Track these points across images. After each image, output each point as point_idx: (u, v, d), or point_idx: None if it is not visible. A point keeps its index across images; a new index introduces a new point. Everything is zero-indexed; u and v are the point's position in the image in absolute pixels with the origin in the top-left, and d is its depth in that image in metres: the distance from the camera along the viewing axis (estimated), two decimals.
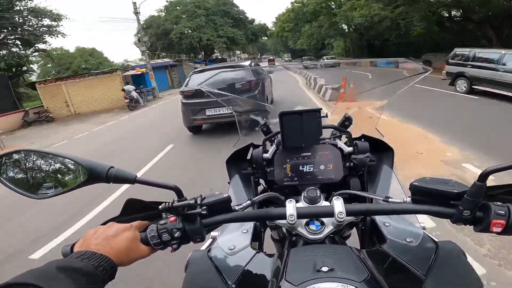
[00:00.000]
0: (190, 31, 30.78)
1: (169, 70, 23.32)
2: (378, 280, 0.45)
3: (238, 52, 56.47)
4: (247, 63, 6.64)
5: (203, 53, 35.07)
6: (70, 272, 0.40)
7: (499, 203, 0.48)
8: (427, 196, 0.51)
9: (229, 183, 0.92)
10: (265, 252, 0.64)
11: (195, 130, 6.22)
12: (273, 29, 61.20)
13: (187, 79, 6.00)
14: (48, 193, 0.52)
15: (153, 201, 0.62)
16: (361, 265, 0.47)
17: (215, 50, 36.92)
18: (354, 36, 28.44)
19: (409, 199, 0.54)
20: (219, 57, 41.72)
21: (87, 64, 29.25)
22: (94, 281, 0.42)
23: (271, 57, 64.49)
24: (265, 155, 0.88)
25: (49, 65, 30.80)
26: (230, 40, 32.82)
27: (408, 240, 0.60)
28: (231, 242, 0.66)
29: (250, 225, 0.73)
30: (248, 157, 0.92)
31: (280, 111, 0.81)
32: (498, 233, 0.47)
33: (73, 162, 0.50)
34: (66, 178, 0.52)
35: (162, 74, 22.24)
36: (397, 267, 0.54)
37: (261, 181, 0.97)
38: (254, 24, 39.74)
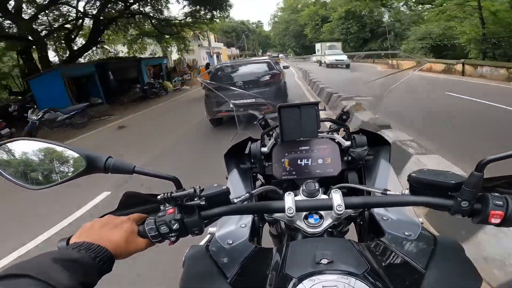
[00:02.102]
0: None
1: None
2: (378, 272, 0.45)
3: (221, 45, 38.97)
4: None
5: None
6: (67, 263, 0.39)
7: (497, 194, 0.48)
8: (425, 188, 0.52)
9: (227, 177, 0.92)
10: (262, 247, 0.64)
11: (217, 122, 6.34)
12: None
13: (213, 73, 6.17)
14: (45, 183, 0.51)
15: (150, 193, 0.61)
16: (360, 258, 0.48)
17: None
18: None
19: (407, 191, 0.55)
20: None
21: None
22: (91, 272, 0.42)
23: (275, 54, 53.49)
24: (263, 149, 0.88)
25: None
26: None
27: (406, 233, 0.60)
28: (229, 236, 0.66)
29: (248, 220, 0.73)
30: (246, 151, 0.92)
31: (278, 104, 0.81)
32: (497, 225, 0.47)
33: (71, 152, 0.50)
34: (64, 168, 0.52)
35: None
36: (396, 260, 0.54)
37: (259, 175, 0.97)
38: None
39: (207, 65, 12.79)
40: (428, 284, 0.46)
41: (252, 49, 68.64)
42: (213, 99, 5.66)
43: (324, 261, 0.45)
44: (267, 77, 5.67)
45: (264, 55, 64.38)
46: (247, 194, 0.60)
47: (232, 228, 0.71)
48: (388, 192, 0.57)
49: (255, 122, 1.04)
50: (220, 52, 37.71)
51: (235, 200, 0.58)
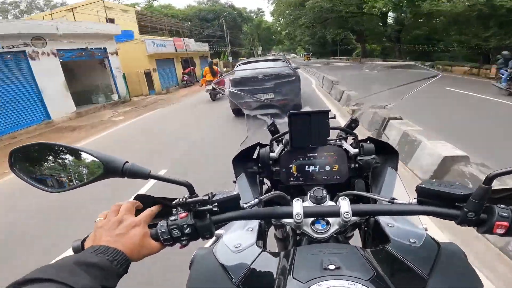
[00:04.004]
0: None
1: None
2: (384, 278, 0.46)
3: (115, 29, 12.22)
4: None
5: None
6: (88, 266, 0.41)
7: (502, 205, 0.50)
8: (432, 198, 0.53)
9: (234, 181, 0.93)
10: (269, 251, 0.65)
11: (238, 112, 6.80)
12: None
13: (235, 68, 7.14)
14: (63, 187, 0.53)
15: (162, 197, 0.62)
16: (366, 264, 0.49)
17: None
18: None
19: (414, 201, 0.56)
20: None
21: None
22: (109, 275, 0.43)
23: (281, 54, 38.60)
24: (272, 155, 0.89)
25: None
26: None
27: (411, 240, 0.61)
28: (237, 240, 0.67)
29: (255, 224, 0.74)
30: (255, 156, 0.93)
31: (289, 111, 0.83)
32: (501, 235, 0.49)
33: (89, 156, 0.51)
34: (82, 171, 0.53)
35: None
36: (401, 266, 0.55)
37: (266, 180, 0.98)
38: None
39: (211, 65, 10.76)
40: None
41: (249, 47, 47.36)
42: (234, 94, 6.42)
43: (332, 266, 0.46)
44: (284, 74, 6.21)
45: (267, 54, 46.28)
46: (256, 199, 0.61)
47: (239, 232, 0.71)
48: (395, 201, 0.58)
49: (264, 128, 1.05)
50: (113, 50, 12.80)
51: (244, 205, 0.59)
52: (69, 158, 0.53)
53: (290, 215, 0.57)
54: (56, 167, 0.53)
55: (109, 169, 0.50)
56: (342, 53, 36.99)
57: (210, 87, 9.69)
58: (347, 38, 36.35)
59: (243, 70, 6.52)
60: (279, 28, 40.29)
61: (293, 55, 49.00)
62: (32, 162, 0.53)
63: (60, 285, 0.36)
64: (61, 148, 0.53)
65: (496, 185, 0.48)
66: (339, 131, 1.00)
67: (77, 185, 0.52)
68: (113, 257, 0.45)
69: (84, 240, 0.53)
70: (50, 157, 0.53)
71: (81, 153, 0.52)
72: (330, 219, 0.63)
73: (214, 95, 10.48)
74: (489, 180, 0.46)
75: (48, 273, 0.37)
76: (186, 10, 41.68)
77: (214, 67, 11.08)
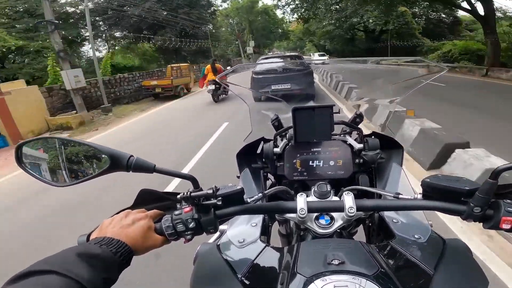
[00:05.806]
0: None
1: None
2: (388, 274, 0.46)
3: None
4: None
5: None
6: (89, 257, 0.41)
7: (509, 200, 0.49)
8: (438, 193, 0.52)
9: (238, 177, 0.93)
10: (273, 246, 0.65)
11: (257, 99, 7.56)
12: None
13: (258, 61, 8.13)
14: (68, 181, 0.53)
15: (166, 191, 0.63)
16: (371, 259, 0.49)
17: None
18: None
19: (420, 196, 0.55)
20: None
21: None
22: (112, 266, 0.43)
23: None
24: (276, 150, 0.89)
25: None
26: None
27: (416, 236, 0.61)
28: (241, 235, 0.67)
29: (259, 219, 0.74)
30: (259, 151, 0.93)
31: (293, 106, 0.82)
32: (507, 230, 0.48)
33: (95, 150, 0.51)
34: (87, 166, 0.53)
35: None
36: (406, 262, 0.54)
37: (270, 176, 0.98)
38: None
39: (213, 62, 9.95)
40: (435, 286, 0.47)
41: (236, 43, 31.55)
42: (258, 81, 7.06)
43: (335, 261, 0.46)
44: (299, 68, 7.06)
45: (267, 53, 30.66)
46: (260, 194, 0.61)
47: (243, 227, 0.71)
48: (400, 196, 0.57)
49: (268, 122, 1.04)
50: None
51: (248, 200, 0.58)
52: (75, 152, 0.54)
53: (294, 210, 0.57)
54: (62, 161, 0.53)
55: (114, 163, 0.50)
56: (394, 55, 18.63)
57: (212, 87, 9.01)
58: (408, 29, 19.88)
59: (264, 63, 7.39)
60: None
61: (319, 56, 25.42)
62: (38, 156, 0.54)
63: (61, 276, 0.36)
64: (67, 142, 0.53)
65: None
66: (344, 126, 0.99)
67: (83, 179, 0.53)
68: (116, 248, 0.45)
69: (89, 235, 0.53)
70: (56, 152, 0.53)
71: (87, 147, 0.52)
72: (334, 214, 0.63)
73: (217, 96, 9.49)
74: (495, 174, 0.46)
75: (50, 265, 0.37)
76: None
77: (217, 64, 10.19)
